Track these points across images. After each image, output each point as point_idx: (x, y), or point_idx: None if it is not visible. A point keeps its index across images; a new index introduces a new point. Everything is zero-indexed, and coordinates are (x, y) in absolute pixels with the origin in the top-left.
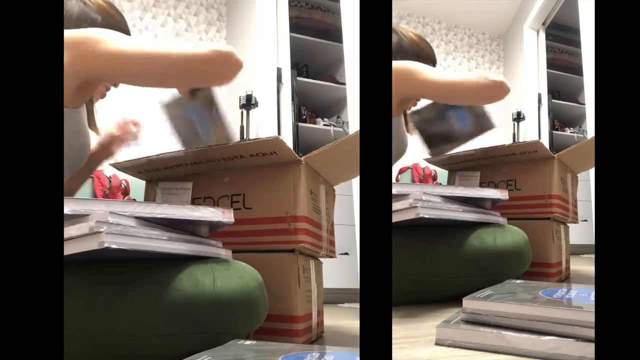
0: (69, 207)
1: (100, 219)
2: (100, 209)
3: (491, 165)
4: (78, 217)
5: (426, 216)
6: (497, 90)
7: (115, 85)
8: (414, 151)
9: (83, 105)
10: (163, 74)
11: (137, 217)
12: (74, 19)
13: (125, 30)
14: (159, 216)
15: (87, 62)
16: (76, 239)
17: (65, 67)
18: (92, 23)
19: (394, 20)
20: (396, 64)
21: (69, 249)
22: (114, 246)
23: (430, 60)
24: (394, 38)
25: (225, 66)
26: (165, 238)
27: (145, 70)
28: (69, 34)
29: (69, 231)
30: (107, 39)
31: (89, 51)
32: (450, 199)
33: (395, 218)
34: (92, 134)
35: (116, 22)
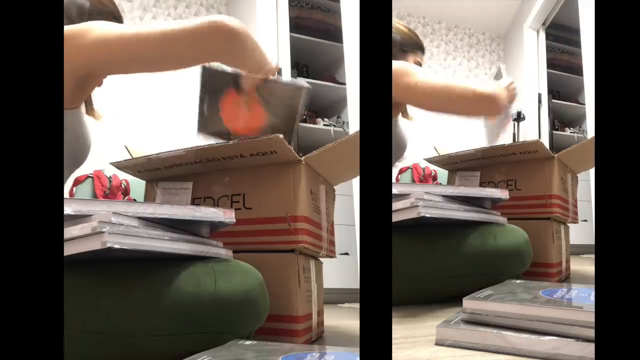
0: (71, 208)
1: (103, 219)
2: (103, 209)
3: (491, 165)
4: (81, 218)
5: (427, 215)
6: (486, 105)
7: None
8: (414, 151)
9: (82, 105)
10: (157, 56)
11: (139, 218)
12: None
13: (117, 16)
14: (161, 216)
15: (78, 56)
16: (79, 239)
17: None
18: (81, 9)
19: (393, 20)
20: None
21: (71, 249)
22: (116, 246)
23: (419, 47)
24: None
25: (222, 40)
26: (166, 238)
27: (136, 53)
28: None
29: (72, 231)
30: (94, 28)
31: (77, 44)
32: (451, 199)
33: (397, 217)
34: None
35: (105, 6)
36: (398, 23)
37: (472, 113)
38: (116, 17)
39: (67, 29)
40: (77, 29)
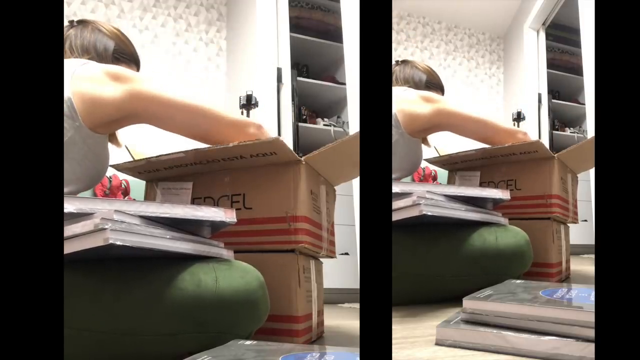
0: (74, 206)
1: (105, 217)
2: (105, 207)
3: (491, 165)
4: (83, 216)
5: (429, 213)
6: (508, 138)
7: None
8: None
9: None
10: (203, 130)
11: (140, 216)
12: (90, 45)
13: (137, 60)
14: (162, 215)
15: (135, 101)
16: (81, 236)
17: (110, 98)
18: (106, 49)
19: (394, 21)
20: (428, 94)
21: (74, 246)
22: (118, 242)
23: (441, 89)
24: (410, 69)
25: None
26: (168, 237)
27: (188, 122)
28: (111, 68)
29: (74, 229)
30: (142, 80)
31: (137, 90)
32: (453, 198)
33: (399, 215)
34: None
35: (128, 49)
36: (423, 64)
37: (496, 143)
38: (136, 62)
39: (126, 71)
40: (126, 73)
